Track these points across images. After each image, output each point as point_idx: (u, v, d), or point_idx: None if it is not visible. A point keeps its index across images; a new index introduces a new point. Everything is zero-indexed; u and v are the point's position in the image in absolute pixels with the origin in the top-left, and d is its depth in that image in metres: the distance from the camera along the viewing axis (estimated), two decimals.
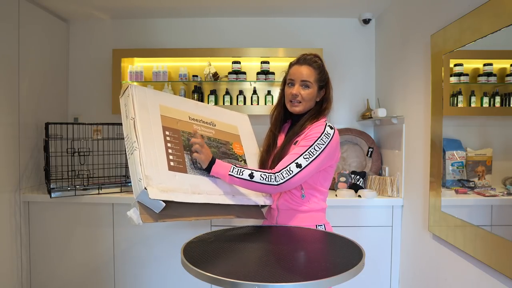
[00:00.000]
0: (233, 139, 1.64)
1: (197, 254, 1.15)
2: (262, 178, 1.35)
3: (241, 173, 1.36)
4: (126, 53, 2.75)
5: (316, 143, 1.40)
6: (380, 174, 2.67)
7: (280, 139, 1.58)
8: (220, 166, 1.38)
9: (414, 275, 2.15)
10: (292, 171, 1.36)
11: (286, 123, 1.63)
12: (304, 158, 1.38)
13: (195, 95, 2.77)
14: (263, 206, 1.58)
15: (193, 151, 1.39)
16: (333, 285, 0.96)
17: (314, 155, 1.39)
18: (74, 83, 2.94)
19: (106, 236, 2.36)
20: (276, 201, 1.54)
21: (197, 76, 2.75)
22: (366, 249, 1.22)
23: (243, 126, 1.75)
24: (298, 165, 1.37)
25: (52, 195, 2.28)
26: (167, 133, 1.38)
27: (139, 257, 2.37)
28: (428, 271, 1.98)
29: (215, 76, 2.74)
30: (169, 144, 1.36)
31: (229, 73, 2.75)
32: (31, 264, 2.39)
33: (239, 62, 2.75)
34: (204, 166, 1.39)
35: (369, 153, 2.68)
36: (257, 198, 1.50)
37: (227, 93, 2.79)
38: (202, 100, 2.83)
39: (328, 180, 1.53)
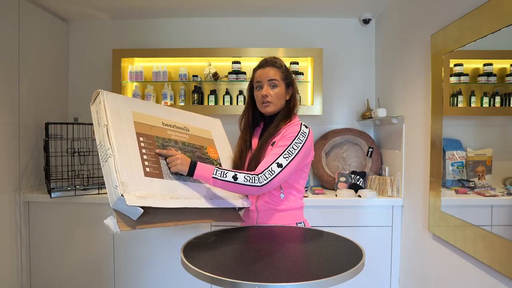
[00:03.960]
0: (207, 144, 1.65)
1: (197, 254, 1.15)
2: (246, 180, 1.35)
3: (224, 175, 1.35)
4: (126, 53, 2.75)
5: (293, 142, 1.43)
6: (380, 174, 2.67)
7: (254, 143, 1.61)
8: (203, 169, 1.37)
9: (414, 275, 2.15)
10: (274, 171, 1.38)
11: (258, 127, 1.66)
12: (284, 158, 1.40)
13: (195, 95, 2.77)
14: (240, 209, 1.59)
15: (170, 167, 1.37)
16: (333, 285, 0.96)
17: (293, 154, 1.42)
18: (74, 83, 2.94)
19: (106, 236, 2.36)
20: (255, 203, 1.55)
21: (197, 76, 2.75)
22: (366, 249, 1.22)
23: (216, 130, 1.76)
24: (279, 165, 1.39)
25: (52, 195, 2.28)
26: (141, 139, 1.37)
27: (139, 257, 2.37)
28: (428, 271, 1.98)
29: (215, 76, 2.74)
30: (143, 150, 1.35)
31: (229, 73, 2.75)
32: (31, 264, 2.39)
33: (239, 62, 2.75)
34: (186, 173, 1.37)
35: (369, 153, 2.69)
36: (235, 200, 1.50)
37: (227, 93, 2.80)
38: (202, 100, 2.83)
39: (304, 179, 1.57)
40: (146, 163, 1.33)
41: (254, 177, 1.36)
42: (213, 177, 1.35)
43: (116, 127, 1.31)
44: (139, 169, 1.29)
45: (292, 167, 1.42)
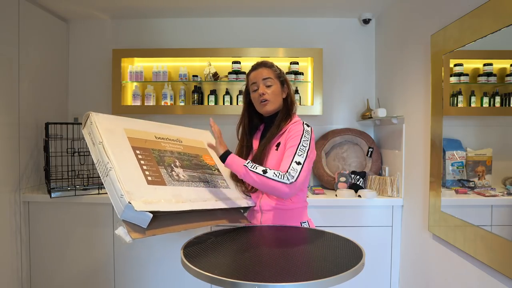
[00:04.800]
0: (202, 152, 1.68)
1: (197, 254, 1.15)
2: (275, 175, 1.37)
3: (255, 167, 1.39)
4: (126, 53, 2.74)
5: (302, 141, 1.46)
6: (380, 174, 2.67)
7: (255, 145, 1.63)
8: (236, 157, 1.43)
9: (414, 275, 2.15)
10: (296, 169, 1.39)
11: (258, 130, 1.68)
12: (299, 155, 1.42)
13: (195, 95, 2.77)
14: (245, 210, 1.60)
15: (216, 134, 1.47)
16: (333, 285, 0.96)
17: (305, 151, 1.44)
18: (74, 83, 2.94)
19: (106, 236, 2.36)
20: (259, 203, 1.56)
21: (197, 76, 2.75)
22: (366, 249, 1.22)
23: (208, 141, 1.79)
24: (298, 163, 1.40)
25: (52, 195, 2.28)
26: (137, 152, 1.39)
27: (139, 257, 2.37)
28: (428, 271, 1.98)
29: (215, 76, 2.74)
30: (142, 161, 1.37)
31: (229, 73, 2.75)
32: (31, 264, 2.39)
33: (239, 62, 2.75)
34: (221, 152, 1.44)
35: (369, 153, 2.68)
36: (239, 201, 1.52)
37: (227, 93, 2.80)
38: (202, 100, 2.83)
39: (307, 178, 1.58)
40: (147, 172, 1.34)
41: (284, 174, 1.37)
42: (244, 165, 1.39)
43: (112, 142, 1.32)
44: (141, 178, 1.30)
45: (307, 163, 1.44)
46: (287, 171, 1.38)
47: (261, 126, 1.68)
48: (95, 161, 1.31)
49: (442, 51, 1.77)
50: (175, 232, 1.29)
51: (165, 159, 1.46)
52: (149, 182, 1.30)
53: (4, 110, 2.22)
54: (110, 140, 1.33)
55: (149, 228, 1.21)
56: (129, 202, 1.15)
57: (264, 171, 1.37)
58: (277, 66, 1.63)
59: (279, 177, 1.36)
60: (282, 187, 1.36)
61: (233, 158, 1.44)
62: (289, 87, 1.62)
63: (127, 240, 1.16)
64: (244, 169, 1.38)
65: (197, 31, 2.93)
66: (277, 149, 1.52)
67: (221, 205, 1.43)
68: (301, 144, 1.44)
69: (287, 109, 1.59)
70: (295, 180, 1.37)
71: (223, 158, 1.44)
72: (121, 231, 1.17)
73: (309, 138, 1.48)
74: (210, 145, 1.51)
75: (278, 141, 1.53)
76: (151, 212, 1.18)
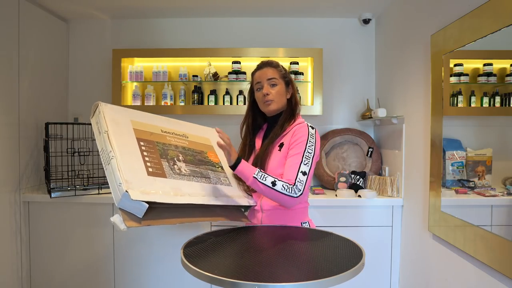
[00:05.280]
0: (206, 149, 1.68)
1: (197, 254, 1.15)
2: (283, 188, 1.38)
3: (264, 179, 1.39)
4: (126, 53, 2.74)
5: (307, 147, 1.46)
6: (380, 174, 2.67)
7: (258, 144, 1.63)
8: (246, 166, 1.41)
9: (414, 275, 2.15)
10: (303, 181, 1.41)
11: (261, 129, 1.68)
12: (305, 165, 1.44)
13: (195, 95, 2.77)
14: (246, 209, 1.60)
15: (224, 145, 1.37)
16: (333, 285, 0.96)
17: (310, 158, 1.45)
18: (74, 83, 2.95)
19: (106, 236, 2.36)
20: (260, 202, 1.56)
21: (197, 76, 2.75)
22: (366, 249, 1.22)
23: (215, 138, 1.79)
24: (304, 173, 1.42)
25: (52, 195, 2.28)
26: (141, 143, 1.40)
27: (139, 257, 2.37)
28: (428, 271, 1.98)
29: (215, 76, 2.74)
30: (145, 153, 1.37)
31: (229, 73, 2.75)
32: (31, 264, 2.39)
33: (239, 62, 2.75)
34: (233, 161, 1.39)
35: (369, 153, 2.68)
36: (240, 199, 1.51)
37: (227, 93, 2.80)
38: (202, 100, 2.83)
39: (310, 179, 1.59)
40: (149, 164, 1.34)
41: (291, 187, 1.39)
42: (253, 177, 1.38)
43: (117, 132, 1.33)
44: (142, 169, 1.30)
45: (312, 170, 1.47)
46: (294, 184, 1.40)
47: (264, 126, 1.68)
48: (99, 150, 1.33)
49: (442, 51, 1.77)
50: (171, 224, 1.29)
51: (169, 152, 1.46)
52: (149, 173, 1.30)
53: (4, 110, 2.22)
54: (116, 130, 1.34)
55: (145, 218, 1.21)
56: (126, 191, 1.16)
57: (273, 183, 1.38)
58: (282, 66, 1.62)
59: (288, 190, 1.38)
60: (289, 200, 1.40)
61: (243, 166, 1.41)
62: (294, 88, 1.62)
63: (122, 228, 1.17)
64: (252, 180, 1.39)
65: (197, 31, 2.93)
66: (279, 150, 1.52)
67: (221, 202, 1.43)
68: (306, 151, 1.45)
69: (291, 109, 1.59)
70: (301, 194, 1.41)
71: (234, 165, 1.41)
72: (116, 218, 1.19)
73: (314, 143, 1.48)
74: (220, 145, 1.39)
75: (281, 142, 1.53)
76: (147, 202, 1.18)
